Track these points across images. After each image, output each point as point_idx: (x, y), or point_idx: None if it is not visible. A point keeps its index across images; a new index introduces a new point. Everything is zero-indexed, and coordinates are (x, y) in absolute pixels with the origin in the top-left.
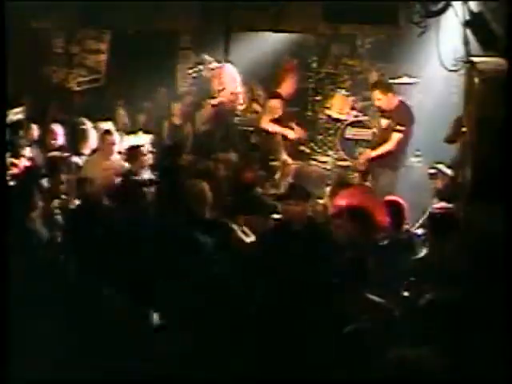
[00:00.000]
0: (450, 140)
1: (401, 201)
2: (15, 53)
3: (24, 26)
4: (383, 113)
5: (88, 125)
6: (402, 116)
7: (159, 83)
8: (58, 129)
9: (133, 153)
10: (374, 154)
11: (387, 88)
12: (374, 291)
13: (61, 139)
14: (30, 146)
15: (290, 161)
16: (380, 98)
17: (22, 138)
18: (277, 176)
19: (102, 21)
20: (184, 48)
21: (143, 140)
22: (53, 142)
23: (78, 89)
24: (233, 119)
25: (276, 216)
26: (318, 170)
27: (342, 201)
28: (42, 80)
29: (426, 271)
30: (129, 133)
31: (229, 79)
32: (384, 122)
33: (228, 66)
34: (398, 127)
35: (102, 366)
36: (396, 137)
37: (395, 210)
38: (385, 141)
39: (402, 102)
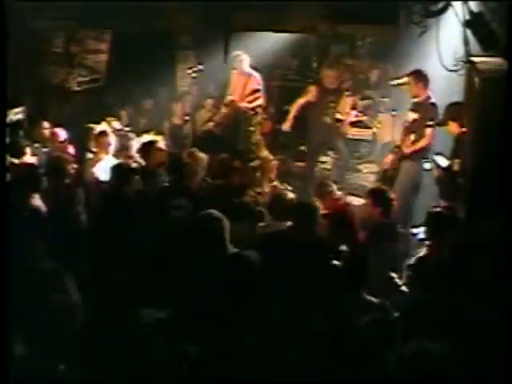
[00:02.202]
0: (440, 124)
1: (388, 191)
2: (15, 53)
3: (24, 25)
4: (414, 105)
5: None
6: (433, 110)
7: (159, 83)
8: (60, 130)
9: (147, 149)
10: (410, 150)
11: (425, 77)
12: (371, 291)
13: (63, 139)
14: (30, 145)
15: (270, 157)
16: (416, 86)
17: (22, 138)
18: (258, 174)
19: (102, 21)
20: (184, 48)
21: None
22: (55, 142)
23: (77, 89)
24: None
25: (262, 224)
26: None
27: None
28: (42, 80)
29: (425, 269)
30: (141, 132)
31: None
32: (412, 116)
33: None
34: (430, 122)
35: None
36: (429, 131)
37: (382, 198)
38: (417, 135)
39: (430, 97)
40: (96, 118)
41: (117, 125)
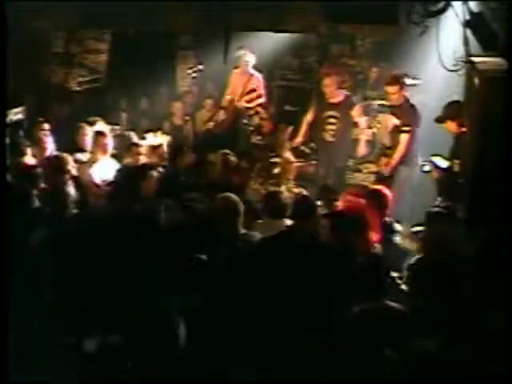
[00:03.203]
0: (438, 120)
1: (385, 190)
2: (15, 53)
3: (24, 25)
4: (392, 109)
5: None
6: (409, 115)
7: (159, 83)
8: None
9: (176, 153)
10: (388, 168)
11: (401, 83)
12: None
13: (52, 142)
14: (30, 145)
15: (292, 159)
16: (394, 93)
17: (23, 138)
18: (279, 174)
19: (102, 21)
20: (184, 48)
21: (161, 140)
22: (47, 143)
23: (78, 89)
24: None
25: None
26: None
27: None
28: (42, 80)
29: (425, 269)
30: (147, 131)
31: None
32: (392, 122)
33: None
34: (405, 128)
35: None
36: (404, 138)
37: (379, 198)
38: (394, 142)
39: (407, 100)
40: (84, 118)
41: (100, 126)
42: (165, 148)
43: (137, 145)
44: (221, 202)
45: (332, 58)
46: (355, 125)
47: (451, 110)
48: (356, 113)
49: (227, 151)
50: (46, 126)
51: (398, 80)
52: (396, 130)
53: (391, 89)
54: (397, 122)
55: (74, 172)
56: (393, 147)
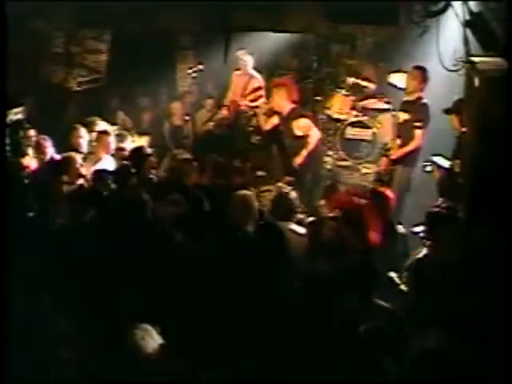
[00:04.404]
0: (447, 111)
1: (388, 192)
2: (15, 53)
3: (24, 26)
4: (405, 106)
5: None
6: (423, 111)
7: (159, 83)
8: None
9: (136, 155)
10: (398, 154)
11: (424, 75)
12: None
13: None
14: (30, 146)
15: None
16: (413, 79)
17: (22, 138)
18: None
19: (102, 21)
20: (184, 48)
21: (140, 142)
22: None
23: (78, 89)
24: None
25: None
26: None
27: (338, 202)
28: (42, 80)
29: (425, 269)
30: (134, 134)
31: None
32: (403, 117)
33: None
34: (418, 123)
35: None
36: (418, 133)
37: (382, 199)
38: (405, 137)
39: (421, 98)
40: (84, 118)
41: (103, 125)
42: (147, 150)
43: (122, 149)
44: (237, 199)
45: (332, 58)
46: (297, 138)
47: (459, 106)
48: (303, 126)
49: (178, 151)
50: (45, 127)
51: (420, 69)
52: (407, 126)
53: (413, 73)
54: (406, 117)
55: (82, 171)
56: (405, 141)
